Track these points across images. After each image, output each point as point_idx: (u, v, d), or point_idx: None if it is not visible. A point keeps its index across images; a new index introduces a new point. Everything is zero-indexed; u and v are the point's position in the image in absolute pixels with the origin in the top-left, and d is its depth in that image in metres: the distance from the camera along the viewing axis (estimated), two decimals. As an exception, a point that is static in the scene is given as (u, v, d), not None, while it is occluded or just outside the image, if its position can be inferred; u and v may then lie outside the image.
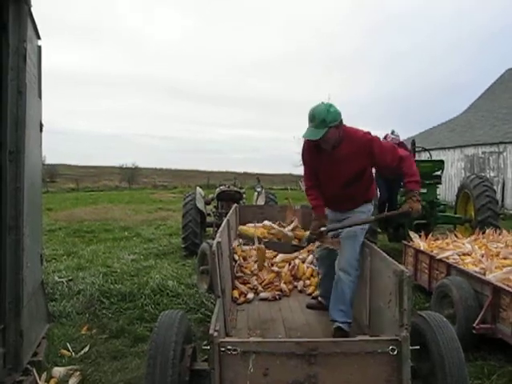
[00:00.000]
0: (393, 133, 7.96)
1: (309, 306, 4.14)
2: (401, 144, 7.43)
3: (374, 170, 3.89)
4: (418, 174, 3.33)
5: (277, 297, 4.45)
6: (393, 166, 3.32)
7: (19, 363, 3.28)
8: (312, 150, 3.46)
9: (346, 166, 3.34)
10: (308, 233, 3.69)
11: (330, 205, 3.68)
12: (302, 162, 3.65)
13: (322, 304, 4.00)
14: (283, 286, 4.65)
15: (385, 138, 7.49)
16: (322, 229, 3.52)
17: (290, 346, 2.50)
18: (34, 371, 3.42)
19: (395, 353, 2.47)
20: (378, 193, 7.93)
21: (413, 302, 5.30)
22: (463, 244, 5.75)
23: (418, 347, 2.66)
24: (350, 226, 3.49)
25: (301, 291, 4.62)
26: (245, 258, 5.26)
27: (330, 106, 3.25)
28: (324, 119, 3.17)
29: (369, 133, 3.41)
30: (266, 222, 4.79)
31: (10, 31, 3.21)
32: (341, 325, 3.39)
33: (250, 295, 4.40)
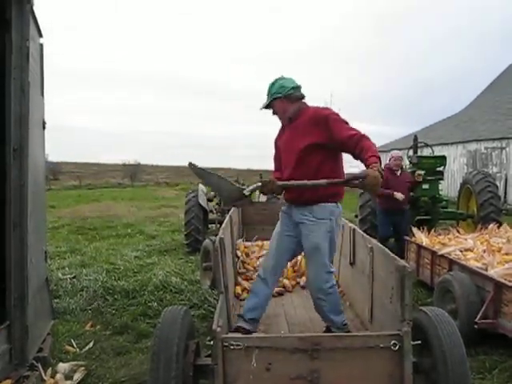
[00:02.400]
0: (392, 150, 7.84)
1: None
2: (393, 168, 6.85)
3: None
4: (375, 148, 2.88)
5: (280, 292, 4.47)
6: (349, 143, 2.94)
7: (25, 359, 3.32)
8: (280, 131, 3.42)
9: (298, 138, 3.11)
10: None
11: (287, 196, 3.31)
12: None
13: None
14: (286, 281, 4.67)
15: (390, 159, 6.99)
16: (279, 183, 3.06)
17: (293, 341, 2.52)
18: (40, 367, 3.45)
19: (397, 348, 2.49)
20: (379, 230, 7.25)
21: (415, 297, 5.31)
22: (465, 239, 5.76)
23: (419, 342, 2.68)
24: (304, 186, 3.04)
25: (303, 287, 4.64)
26: (247, 254, 5.28)
27: (281, 78, 3.24)
28: (269, 90, 3.25)
29: (328, 109, 3.25)
30: None
31: (12, 29, 3.23)
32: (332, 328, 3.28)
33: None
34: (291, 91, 3.19)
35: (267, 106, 3.29)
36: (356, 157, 2.96)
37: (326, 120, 3.05)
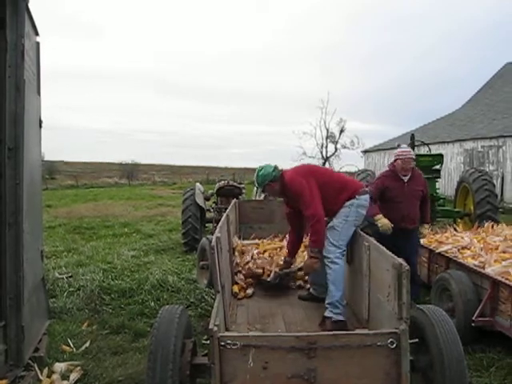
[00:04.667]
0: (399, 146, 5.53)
1: (300, 297, 4.29)
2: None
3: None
4: (318, 233, 3.75)
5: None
6: (308, 220, 3.87)
7: (21, 359, 3.30)
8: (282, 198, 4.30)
9: (292, 204, 4.10)
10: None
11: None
12: None
13: (312, 294, 4.18)
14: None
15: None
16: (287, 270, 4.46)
17: (290, 340, 2.51)
18: (36, 367, 3.44)
19: (394, 346, 2.49)
20: None
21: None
22: (462, 238, 5.76)
23: (417, 340, 2.68)
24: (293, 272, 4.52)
25: (300, 286, 4.64)
26: (245, 253, 5.26)
27: (260, 170, 3.98)
28: (257, 182, 4.02)
29: (300, 177, 3.88)
30: None
31: (7, 27, 3.20)
32: (326, 313, 3.58)
33: (250, 290, 4.42)
34: (273, 174, 3.93)
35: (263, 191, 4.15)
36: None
37: (289, 190, 3.95)
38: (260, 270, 4.73)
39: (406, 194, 4.97)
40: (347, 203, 3.85)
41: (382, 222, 4.85)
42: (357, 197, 3.87)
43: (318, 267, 3.81)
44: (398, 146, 5.35)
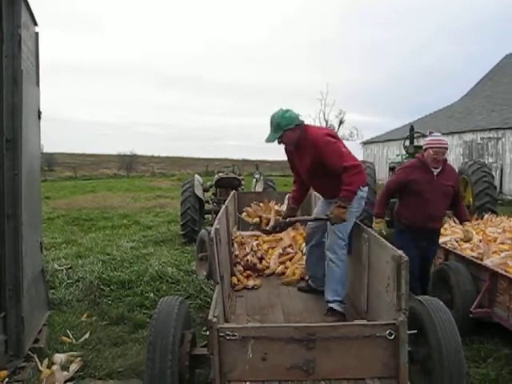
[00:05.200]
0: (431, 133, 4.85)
1: (299, 289, 4.27)
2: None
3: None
4: (354, 184, 3.47)
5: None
6: (338, 170, 3.47)
7: (21, 350, 3.31)
8: (289, 150, 3.86)
9: (303, 161, 3.72)
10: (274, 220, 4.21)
11: (318, 192, 4.21)
12: None
13: (311, 286, 4.17)
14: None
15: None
16: (290, 219, 3.98)
17: (289, 331, 2.52)
18: (36, 357, 3.45)
19: (392, 337, 2.50)
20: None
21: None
22: (461, 229, 5.76)
23: (415, 331, 2.69)
24: (304, 221, 4.27)
25: (301, 278, 4.64)
26: (244, 245, 5.26)
27: (286, 111, 3.61)
28: (279, 124, 3.57)
29: (325, 134, 3.61)
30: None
31: (3, 17, 3.17)
32: (332, 305, 3.54)
33: (251, 282, 4.42)
34: (298, 121, 3.59)
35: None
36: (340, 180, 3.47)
37: (315, 146, 3.54)
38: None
39: (434, 189, 4.36)
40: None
41: (377, 226, 4.79)
42: (361, 187, 3.66)
43: (346, 217, 3.48)
44: (430, 133, 4.76)
